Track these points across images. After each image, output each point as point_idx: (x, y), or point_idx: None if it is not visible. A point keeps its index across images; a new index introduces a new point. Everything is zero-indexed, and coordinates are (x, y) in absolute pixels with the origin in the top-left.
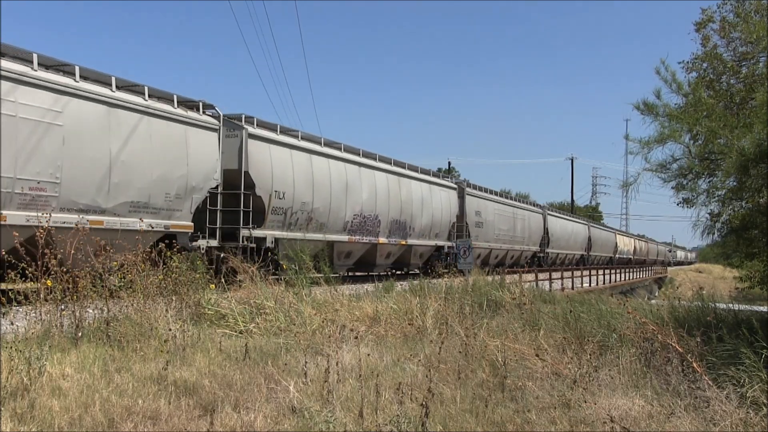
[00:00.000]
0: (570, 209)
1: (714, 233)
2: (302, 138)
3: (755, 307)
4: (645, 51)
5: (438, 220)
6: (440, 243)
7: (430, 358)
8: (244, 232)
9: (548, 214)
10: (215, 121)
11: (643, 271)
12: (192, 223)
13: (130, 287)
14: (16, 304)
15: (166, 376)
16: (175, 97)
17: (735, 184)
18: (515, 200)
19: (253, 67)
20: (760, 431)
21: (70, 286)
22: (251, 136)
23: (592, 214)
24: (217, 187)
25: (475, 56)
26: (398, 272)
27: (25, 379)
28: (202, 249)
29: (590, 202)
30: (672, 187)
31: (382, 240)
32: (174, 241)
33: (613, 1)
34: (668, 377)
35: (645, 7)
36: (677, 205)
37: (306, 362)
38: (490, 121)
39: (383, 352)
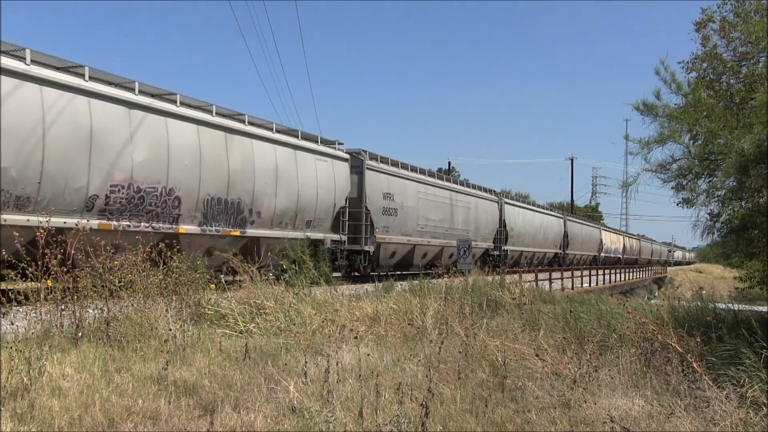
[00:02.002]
0: (570, 209)
1: (714, 233)
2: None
3: (755, 307)
4: (645, 51)
5: (308, 202)
6: (316, 236)
7: (430, 358)
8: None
9: (506, 202)
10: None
11: (642, 271)
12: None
13: (131, 287)
14: (16, 304)
15: (166, 376)
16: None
17: (735, 184)
18: (456, 183)
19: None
20: (760, 431)
21: (70, 285)
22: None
23: (592, 214)
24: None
25: (475, 56)
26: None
27: (25, 379)
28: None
29: (590, 202)
30: (672, 187)
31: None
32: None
33: (614, 1)
34: (668, 377)
35: (645, 7)
36: (677, 205)
37: (306, 362)
38: (490, 121)
39: (383, 352)
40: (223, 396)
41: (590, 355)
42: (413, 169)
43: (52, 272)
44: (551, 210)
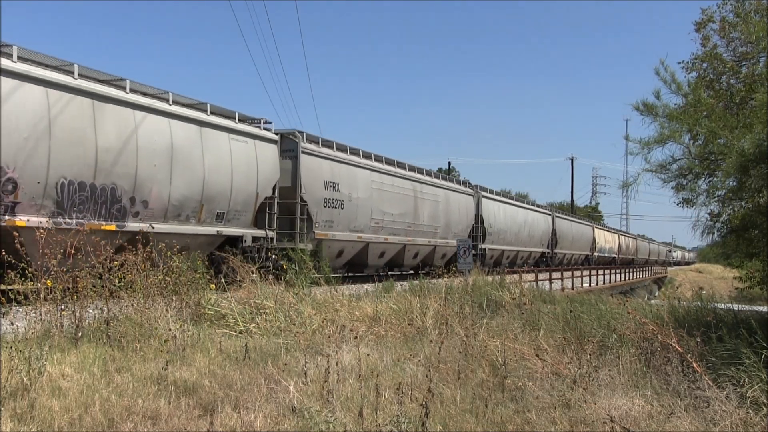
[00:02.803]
0: (570, 209)
1: (714, 233)
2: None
3: (755, 307)
4: (645, 51)
5: (219, 191)
6: (232, 231)
7: (430, 358)
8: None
9: (483, 196)
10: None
11: (642, 271)
12: None
13: (131, 287)
14: (16, 304)
15: (166, 376)
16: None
17: (735, 184)
18: (422, 173)
19: (253, 66)
20: (760, 431)
21: (70, 285)
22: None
23: (592, 214)
24: None
25: (475, 56)
26: None
27: (25, 379)
28: None
29: (590, 202)
30: (672, 188)
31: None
32: None
33: (614, 1)
34: (668, 377)
35: (645, 7)
36: (677, 205)
37: (306, 362)
38: (490, 120)
39: (383, 352)
40: (223, 396)
41: (590, 355)
42: (366, 156)
43: (52, 272)
44: (538, 206)
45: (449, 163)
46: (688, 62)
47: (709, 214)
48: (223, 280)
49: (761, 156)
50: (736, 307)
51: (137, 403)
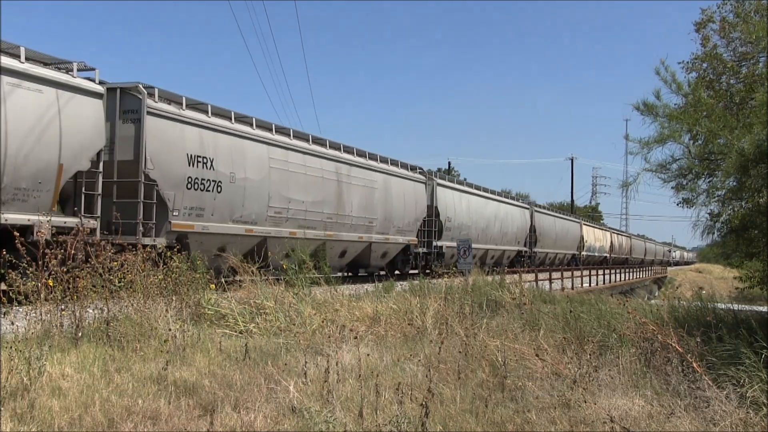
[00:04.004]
0: (570, 209)
1: (714, 233)
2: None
3: (755, 307)
4: (645, 51)
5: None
6: (16, 218)
7: (430, 358)
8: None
9: (439, 184)
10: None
11: (642, 271)
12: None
13: (131, 287)
14: (16, 304)
15: (166, 376)
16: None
17: (735, 184)
18: (351, 153)
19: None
20: (760, 431)
21: (70, 285)
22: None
23: (591, 214)
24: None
25: (475, 56)
26: None
27: (25, 379)
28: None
29: (590, 202)
30: (672, 187)
31: None
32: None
33: (614, 1)
34: (668, 377)
35: (645, 7)
36: (677, 205)
37: (306, 362)
38: (490, 120)
39: (383, 352)
40: (223, 396)
41: (590, 355)
42: (262, 126)
43: (52, 272)
44: (513, 198)
45: (449, 163)
46: (688, 62)
47: (709, 214)
48: (222, 280)
49: (761, 156)
50: (736, 307)
51: (137, 403)
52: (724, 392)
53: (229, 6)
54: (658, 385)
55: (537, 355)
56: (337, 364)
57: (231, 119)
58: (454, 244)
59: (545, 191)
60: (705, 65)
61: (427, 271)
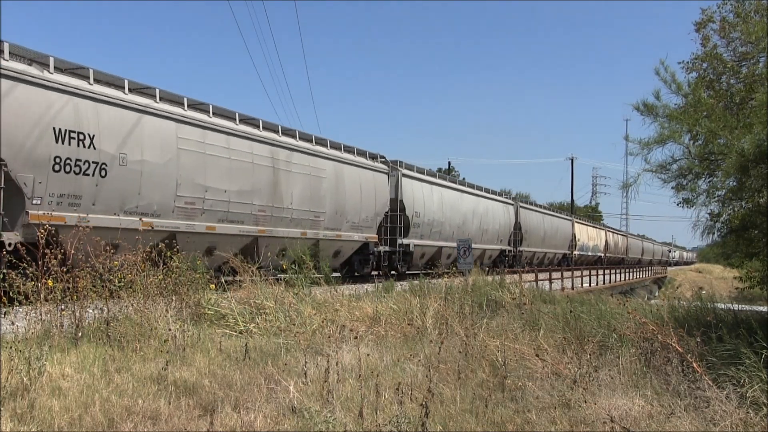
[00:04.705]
0: (570, 209)
1: (714, 233)
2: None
3: (755, 307)
4: (645, 51)
5: None
6: None
7: (430, 358)
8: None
9: (405, 174)
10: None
11: (642, 271)
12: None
13: (131, 287)
14: (17, 304)
15: (166, 376)
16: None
17: (735, 184)
18: (293, 137)
19: (252, 66)
20: (760, 431)
21: (70, 285)
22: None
23: (592, 214)
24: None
25: (475, 56)
26: None
27: (25, 379)
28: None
29: (590, 202)
30: (672, 188)
31: None
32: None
33: (614, 1)
34: (668, 377)
35: (645, 7)
36: (677, 205)
37: (306, 362)
38: (490, 120)
39: (383, 352)
40: (223, 396)
41: (590, 355)
42: (168, 98)
43: (52, 272)
44: (496, 193)
45: (449, 163)
46: (688, 62)
47: (709, 214)
48: (223, 279)
49: (761, 156)
50: (736, 307)
51: (137, 403)
52: (724, 392)
53: (229, 6)
54: (658, 385)
55: (537, 355)
56: (337, 364)
57: (124, 89)
58: (425, 242)
59: (545, 191)
60: (705, 65)
61: (392, 272)
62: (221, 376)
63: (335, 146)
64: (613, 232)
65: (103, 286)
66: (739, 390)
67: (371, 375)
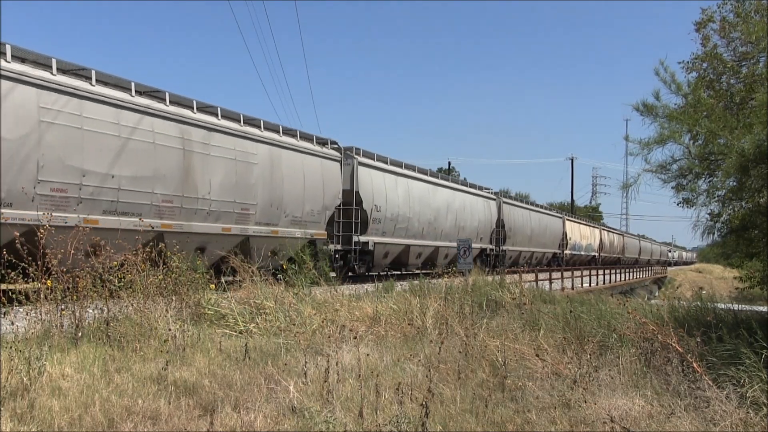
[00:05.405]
0: (570, 209)
1: (714, 233)
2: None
3: (755, 307)
4: (645, 51)
5: None
6: None
7: (430, 358)
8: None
9: (362, 164)
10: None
11: (642, 271)
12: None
13: (130, 287)
14: (17, 304)
15: (166, 376)
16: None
17: (735, 184)
18: (212, 114)
19: (253, 65)
20: (760, 431)
21: (70, 286)
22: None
23: (592, 215)
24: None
25: (475, 56)
26: None
27: (25, 379)
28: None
29: (590, 203)
30: (672, 188)
31: None
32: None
33: (614, 1)
34: (668, 377)
35: (645, 7)
36: (677, 205)
37: (306, 362)
38: (490, 120)
39: (383, 352)
40: (223, 396)
41: (590, 355)
42: (25, 58)
43: (53, 272)
44: (475, 187)
45: (449, 163)
46: (688, 62)
47: (709, 214)
48: (223, 279)
49: (761, 156)
50: (736, 307)
51: (137, 403)
52: (724, 392)
53: (229, 6)
54: (658, 385)
55: (537, 355)
56: (337, 364)
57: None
58: (388, 239)
59: (545, 191)
60: (705, 65)
61: (350, 274)
62: (221, 376)
63: (271, 128)
64: (608, 231)
65: (103, 286)
66: (739, 390)
67: (371, 375)
